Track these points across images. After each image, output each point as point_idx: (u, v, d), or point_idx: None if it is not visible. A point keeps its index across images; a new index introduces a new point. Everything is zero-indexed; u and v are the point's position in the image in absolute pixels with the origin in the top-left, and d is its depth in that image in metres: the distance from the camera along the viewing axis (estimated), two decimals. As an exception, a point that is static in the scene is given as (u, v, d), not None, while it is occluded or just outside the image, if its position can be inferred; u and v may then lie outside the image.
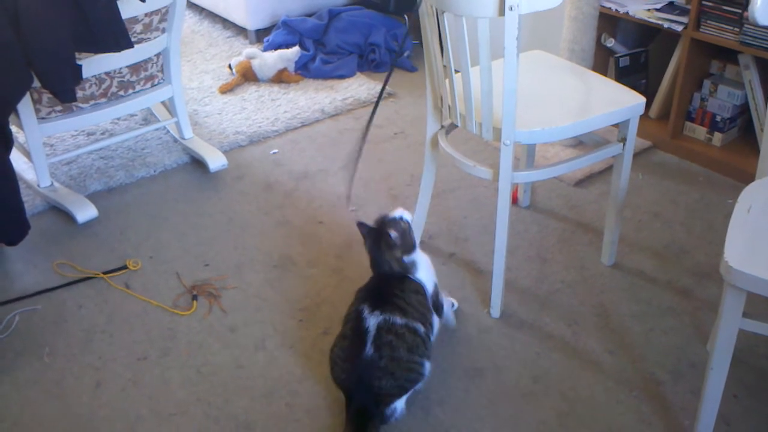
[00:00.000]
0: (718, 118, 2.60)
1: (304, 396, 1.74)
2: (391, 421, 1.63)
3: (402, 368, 1.59)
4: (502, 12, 1.58)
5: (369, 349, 1.57)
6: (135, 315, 1.99)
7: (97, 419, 1.69)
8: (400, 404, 1.63)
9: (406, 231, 1.70)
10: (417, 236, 2.00)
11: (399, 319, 1.60)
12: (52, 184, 2.44)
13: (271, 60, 3.23)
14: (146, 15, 2.28)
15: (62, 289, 2.08)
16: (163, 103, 2.79)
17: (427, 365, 1.65)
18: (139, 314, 2.00)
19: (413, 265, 1.71)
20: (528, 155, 2.27)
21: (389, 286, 1.67)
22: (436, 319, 1.74)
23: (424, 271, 1.73)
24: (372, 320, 1.59)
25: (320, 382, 1.76)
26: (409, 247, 1.70)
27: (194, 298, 2.03)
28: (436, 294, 1.76)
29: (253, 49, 3.33)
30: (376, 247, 1.68)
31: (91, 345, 1.90)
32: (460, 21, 1.65)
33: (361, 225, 1.72)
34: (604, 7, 2.65)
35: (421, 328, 1.64)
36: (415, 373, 1.62)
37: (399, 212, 1.72)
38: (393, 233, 1.66)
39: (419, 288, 1.69)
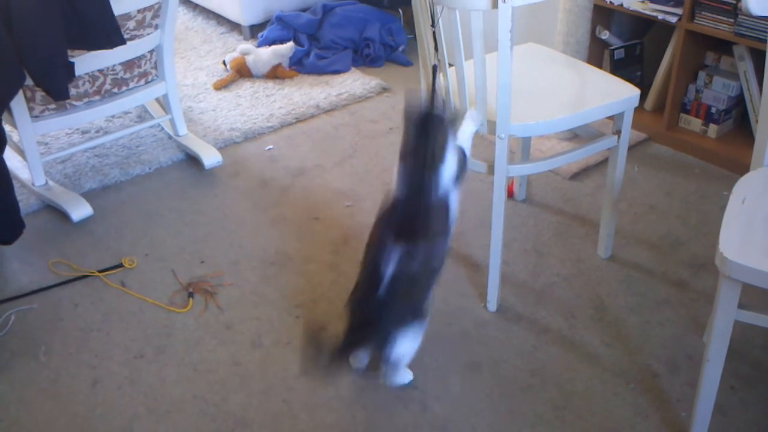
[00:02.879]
0: (713, 110, 2.60)
1: (301, 392, 1.74)
2: (397, 367, 1.67)
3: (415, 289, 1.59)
4: (495, 4, 1.57)
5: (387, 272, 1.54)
6: (131, 313, 1.99)
7: (94, 417, 1.69)
8: (406, 349, 1.61)
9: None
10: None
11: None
12: (46, 183, 2.43)
13: (265, 56, 3.22)
14: (139, 11, 2.27)
15: (58, 288, 2.08)
16: (157, 100, 2.78)
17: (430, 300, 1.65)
18: (135, 312, 1.99)
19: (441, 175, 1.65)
20: (523, 148, 2.26)
21: (415, 219, 1.62)
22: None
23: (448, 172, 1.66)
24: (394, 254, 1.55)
25: (317, 379, 1.76)
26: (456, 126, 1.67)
27: (190, 295, 2.03)
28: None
29: (248, 45, 3.32)
30: (423, 129, 1.69)
31: (87, 343, 1.89)
32: (453, 14, 1.64)
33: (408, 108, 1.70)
34: (598, -1, 2.64)
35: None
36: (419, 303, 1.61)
37: None
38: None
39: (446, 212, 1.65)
